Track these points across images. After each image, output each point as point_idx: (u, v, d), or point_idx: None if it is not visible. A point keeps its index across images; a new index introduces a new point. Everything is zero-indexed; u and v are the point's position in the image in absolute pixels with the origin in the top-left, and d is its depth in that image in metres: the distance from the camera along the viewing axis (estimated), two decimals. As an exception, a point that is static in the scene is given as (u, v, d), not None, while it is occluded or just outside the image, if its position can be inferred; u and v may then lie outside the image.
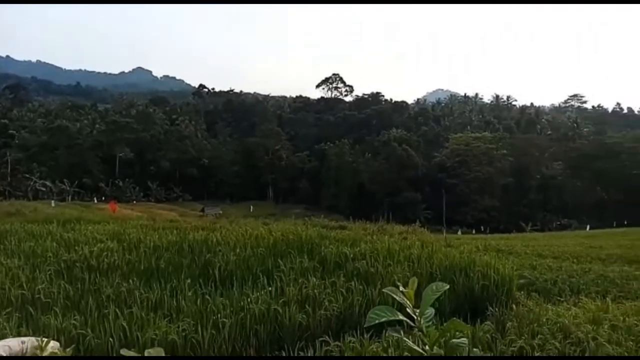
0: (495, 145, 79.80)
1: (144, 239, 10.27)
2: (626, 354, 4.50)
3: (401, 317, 1.36)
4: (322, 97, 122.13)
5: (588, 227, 48.69)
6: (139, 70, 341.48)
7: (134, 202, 71.09)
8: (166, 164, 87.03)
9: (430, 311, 1.42)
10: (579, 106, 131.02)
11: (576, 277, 10.89)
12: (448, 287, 1.46)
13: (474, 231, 52.95)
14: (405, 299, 1.39)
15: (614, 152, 75.61)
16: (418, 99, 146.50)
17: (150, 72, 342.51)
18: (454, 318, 1.42)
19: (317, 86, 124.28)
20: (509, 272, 7.40)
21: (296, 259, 8.29)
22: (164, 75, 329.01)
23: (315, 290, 6.69)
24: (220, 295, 6.83)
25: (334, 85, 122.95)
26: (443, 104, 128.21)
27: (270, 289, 6.90)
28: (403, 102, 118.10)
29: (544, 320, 5.38)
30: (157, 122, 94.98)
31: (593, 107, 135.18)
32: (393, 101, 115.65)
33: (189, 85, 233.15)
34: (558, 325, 5.18)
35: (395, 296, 1.42)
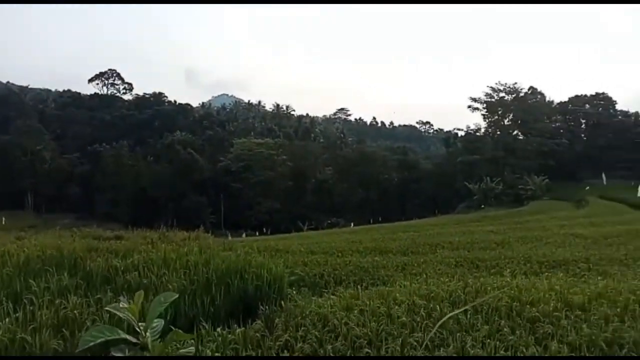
0: (276, 151, 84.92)
1: None
2: (370, 334, 5.24)
3: (123, 335, 1.28)
4: (96, 93, 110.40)
5: (352, 224, 55.75)
6: None
7: None
8: None
9: (158, 323, 1.39)
10: (345, 118, 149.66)
11: (339, 269, 12.32)
12: (177, 296, 1.45)
13: (257, 233, 55.09)
14: (130, 315, 1.32)
15: (371, 159, 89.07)
16: (203, 103, 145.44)
17: None
18: (176, 329, 1.40)
19: (90, 81, 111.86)
20: (281, 271, 7.92)
21: (54, 278, 7.24)
22: None
23: (76, 311, 5.95)
24: (-58, 332, 5.47)
25: (111, 81, 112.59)
26: (228, 109, 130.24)
27: (17, 315, 5.85)
28: (187, 104, 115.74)
29: (308, 312, 5.89)
30: None
31: (356, 119, 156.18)
32: (177, 103, 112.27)
33: None
34: (319, 315, 5.74)
35: (118, 313, 1.33)
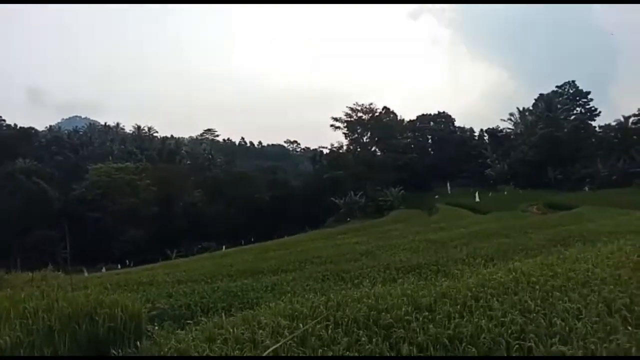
0: (138, 175, 79.84)
1: None
2: (233, 363, 5.11)
3: None
4: None
5: (224, 247, 54.48)
6: None
7: None
8: None
9: None
10: (212, 139, 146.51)
11: (207, 297, 11.89)
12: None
13: (119, 266, 50.87)
14: None
15: (241, 180, 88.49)
16: (51, 126, 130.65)
17: None
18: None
19: None
20: (139, 307, 7.35)
21: None
22: None
23: None
24: None
25: None
26: (81, 133, 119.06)
27: None
28: (31, 128, 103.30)
29: (167, 349, 5.56)
30: None
31: (224, 140, 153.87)
32: (18, 127, 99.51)
33: None
34: (178, 350, 5.45)
35: None
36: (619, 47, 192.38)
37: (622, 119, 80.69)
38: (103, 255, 63.79)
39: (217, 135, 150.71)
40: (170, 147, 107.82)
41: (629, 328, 5.17)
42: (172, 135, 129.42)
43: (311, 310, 6.85)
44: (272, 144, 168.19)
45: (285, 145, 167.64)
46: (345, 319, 6.13)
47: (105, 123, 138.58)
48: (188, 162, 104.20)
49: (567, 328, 5.29)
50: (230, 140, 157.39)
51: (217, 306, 10.79)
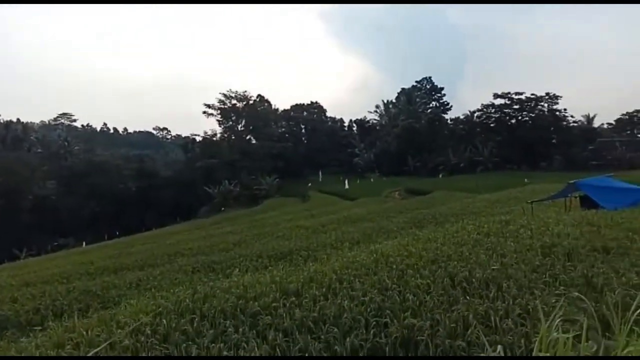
0: (-25, 165, 69.01)
1: None
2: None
3: None
4: None
5: (84, 243, 49.89)
6: None
7: None
8: None
9: None
10: (69, 124, 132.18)
11: (60, 298, 10.79)
12: None
13: (-49, 270, 43.59)
14: None
15: (102, 169, 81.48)
16: None
17: None
18: None
19: None
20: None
21: None
22: None
23: None
24: None
25: None
26: None
27: None
28: None
29: (6, 361, 4.93)
30: None
31: (83, 126, 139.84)
32: None
33: None
34: (20, 361, 4.86)
35: None
36: (467, 48, 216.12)
37: (469, 113, 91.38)
38: None
39: (75, 120, 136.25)
40: (16, 133, 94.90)
41: (468, 297, 5.88)
42: (18, 120, 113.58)
43: (176, 304, 6.59)
44: (139, 131, 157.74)
45: (154, 132, 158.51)
46: (212, 311, 6.02)
47: None
48: (39, 150, 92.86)
49: (418, 302, 5.82)
50: (90, 126, 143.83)
51: (73, 308, 9.86)
